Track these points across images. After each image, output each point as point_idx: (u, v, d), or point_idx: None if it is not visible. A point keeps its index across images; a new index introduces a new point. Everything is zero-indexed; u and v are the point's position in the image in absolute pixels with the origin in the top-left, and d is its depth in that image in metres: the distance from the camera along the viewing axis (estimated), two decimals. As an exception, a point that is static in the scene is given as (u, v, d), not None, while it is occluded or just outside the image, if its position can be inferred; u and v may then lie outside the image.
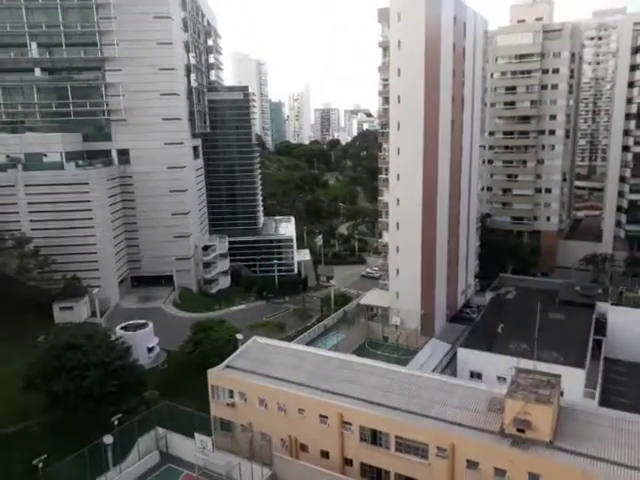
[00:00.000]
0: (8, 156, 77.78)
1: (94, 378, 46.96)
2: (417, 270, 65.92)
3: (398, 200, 66.57)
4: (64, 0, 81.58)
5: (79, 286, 74.00)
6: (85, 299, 73.98)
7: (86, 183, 76.77)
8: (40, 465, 34.68)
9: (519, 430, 32.43)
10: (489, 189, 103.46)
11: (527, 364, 40.21)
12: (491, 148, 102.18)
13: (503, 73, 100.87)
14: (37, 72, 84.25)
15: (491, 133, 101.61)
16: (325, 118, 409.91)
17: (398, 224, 67.03)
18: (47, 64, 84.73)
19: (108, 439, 37.90)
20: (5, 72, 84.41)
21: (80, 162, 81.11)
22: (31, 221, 75.64)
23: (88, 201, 76.72)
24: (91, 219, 77.02)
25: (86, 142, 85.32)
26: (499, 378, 49.47)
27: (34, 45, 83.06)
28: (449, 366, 57.53)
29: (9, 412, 48.36)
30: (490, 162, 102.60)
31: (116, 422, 39.31)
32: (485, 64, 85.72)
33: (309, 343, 58.78)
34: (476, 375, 54.61)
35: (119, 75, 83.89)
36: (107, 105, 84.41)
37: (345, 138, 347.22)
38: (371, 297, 72.05)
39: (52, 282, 71.84)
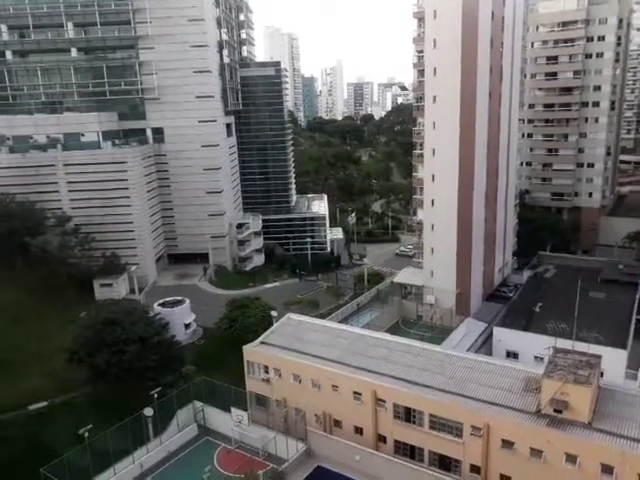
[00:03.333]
0: (48, 136, 79.71)
1: (133, 353, 48.47)
2: (453, 248, 64.76)
3: (433, 176, 65.18)
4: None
5: (118, 263, 75.99)
6: (124, 276, 75.98)
7: (123, 162, 78.12)
8: (86, 435, 36.12)
9: (556, 411, 31.91)
10: (528, 164, 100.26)
11: (565, 344, 39.47)
12: (530, 121, 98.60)
13: (544, 42, 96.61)
14: (74, 52, 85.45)
15: (531, 106, 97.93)
16: (358, 93, 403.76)
17: (433, 201, 65.76)
18: (83, 44, 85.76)
19: (148, 411, 39.12)
20: (43, 53, 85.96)
21: (116, 141, 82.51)
22: (71, 200, 77.72)
23: (125, 180, 78.13)
24: (128, 197, 78.52)
25: (121, 121, 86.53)
26: (536, 358, 48.69)
27: (70, 25, 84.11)
28: (484, 345, 56.83)
29: (55, 384, 50.52)
30: (529, 136, 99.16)
31: (156, 395, 40.49)
32: (525, 33, 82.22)
33: (342, 321, 58.91)
34: (512, 355, 53.87)
35: (152, 53, 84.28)
36: (141, 84, 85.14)
37: (379, 113, 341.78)
38: (405, 275, 71.37)
39: (92, 259, 74.00)
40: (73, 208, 76.82)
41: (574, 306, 46.26)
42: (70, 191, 77.87)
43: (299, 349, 42.32)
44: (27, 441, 43.74)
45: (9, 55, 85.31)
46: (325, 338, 44.07)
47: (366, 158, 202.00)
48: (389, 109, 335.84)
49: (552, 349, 36.06)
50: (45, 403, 48.99)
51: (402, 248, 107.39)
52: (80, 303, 66.30)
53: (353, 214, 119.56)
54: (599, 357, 34.52)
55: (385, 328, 59.87)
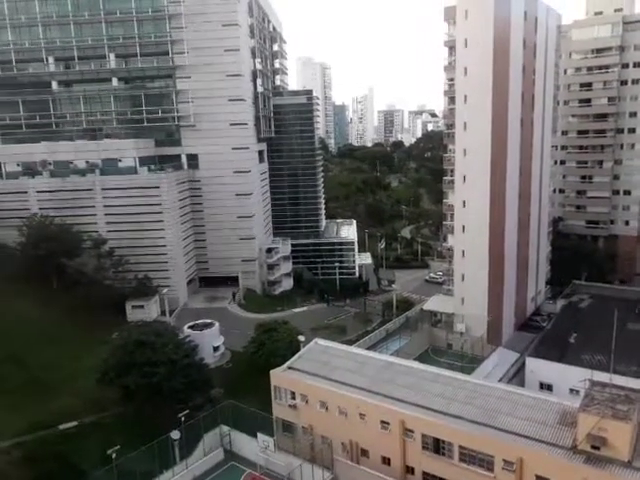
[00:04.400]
0: (87, 162, 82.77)
1: (163, 375, 48.88)
2: (484, 275, 63.74)
3: (464, 202, 64.74)
4: (140, 12, 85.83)
5: (150, 286, 77.39)
6: (155, 298, 77.23)
7: (157, 187, 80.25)
8: (114, 455, 36.41)
9: (594, 447, 30.58)
10: (561, 191, 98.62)
11: (602, 377, 37.93)
12: (564, 148, 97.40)
13: (577, 69, 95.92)
14: (114, 82, 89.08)
15: (564, 132, 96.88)
16: (389, 120, 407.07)
17: (464, 227, 65.16)
18: (123, 74, 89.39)
19: (175, 434, 39.23)
20: (86, 82, 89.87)
21: (152, 167, 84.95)
22: (107, 223, 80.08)
23: (159, 204, 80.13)
24: (162, 221, 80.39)
25: (158, 147, 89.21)
26: (571, 391, 46.87)
27: (112, 56, 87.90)
28: (517, 376, 55.23)
29: (86, 404, 51.21)
30: (562, 163, 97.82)
31: (183, 418, 40.62)
32: (558, 60, 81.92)
33: (370, 347, 58.28)
34: (546, 387, 52.14)
35: (188, 82, 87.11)
36: (177, 111, 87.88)
37: (409, 139, 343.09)
38: (435, 302, 70.44)
39: (125, 281, 75.59)
40: (109, 231, 79.06)
41: (611, 338, 44.59)
42: (106, 214, 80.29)
43: (326, 375, 41.97)
44: (56, 460, 44.19)
45: (55, 85, 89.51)
46: (353, 365, 43.61)
47: (396, 184, 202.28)
48: (419, 136, 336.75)
49: (588, 382, 34.78)
50: (75, 423, 49.60)
51: (432, 274, 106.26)
52: (112, 324, 67.46)
53: (382, 239, 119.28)
54: (639, 392, 33.14)
55: (414, 356, 58.98)
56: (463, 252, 65.50)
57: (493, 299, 64.42)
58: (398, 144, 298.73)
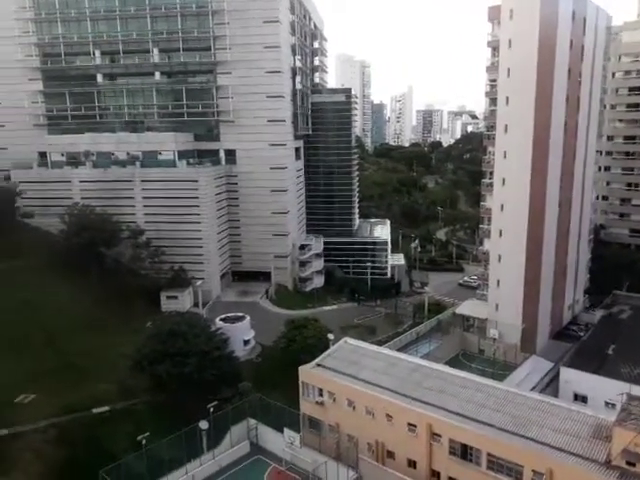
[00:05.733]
0: (128, 153, 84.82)
1: (194, 365, 49.73)
2: (520, 281, 62.28)
3: (502, 206, 63.38)
4: (184, 8, 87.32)
5: (184, 277, 78.82)
6: (189, 290, 78.58)
7: (195, 180, 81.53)
8: (143, 442, 37.24)
9: (629, 463, 29.56)
10: (605, 198, 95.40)
11: (642, 392, 36.68)
12: (609, 154, 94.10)
13: (627, 72, 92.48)
14: (157, 76, 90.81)
15: (609, 138, 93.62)
16: (427, 120, 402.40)
17: (501, 231, 63.80)
18: (166, 68, 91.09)
19: (204, 425, 39.84)
20: (129, 76, 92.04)
21: (191, 160, 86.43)
22: (145, 214, 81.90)
23: (196, 197, 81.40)
24: (198, 215, 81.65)
25: (197, 142, 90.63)
26: (607, 404, 45.58)
27: (156, 51, 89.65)
28: (550, 386, 53.75)
29: (119, 390, 52.61)
30: (607, 169, 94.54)
31: (212, 409, 41.21)
32: (606, 63, 79.10)
33: (400, 349, 57.76)
34: (580, 398, 50.58)
35: (229, 78, 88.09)
36: (217, 107, 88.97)
37: (447, 140, 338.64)
38: (468, 307, 69.27)
39: (161, 272, 77.17)
40: (146, 222, 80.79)
41: (652, 351, 43.16)
42: (145, 206, 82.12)
43: (354, 374, 41.85)
44: (88, 443, 45.63)
45: (100, 78, 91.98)
46: (382, 365, 43.36)
47: (432, 185, 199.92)
48: (458, 137, 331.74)
49: (626, 395, 33.66)
50: (107, 408, 51.01)
51: (466, 278, 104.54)
52: (147, 313, 69.09)
53: (416, 241, 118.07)
54: (680, 409, 31.80)
55: (444, 360, 58.15)
56: (499, 257, 64.17)
57: (528, 306, 62.89)
58: (436, 145, 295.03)
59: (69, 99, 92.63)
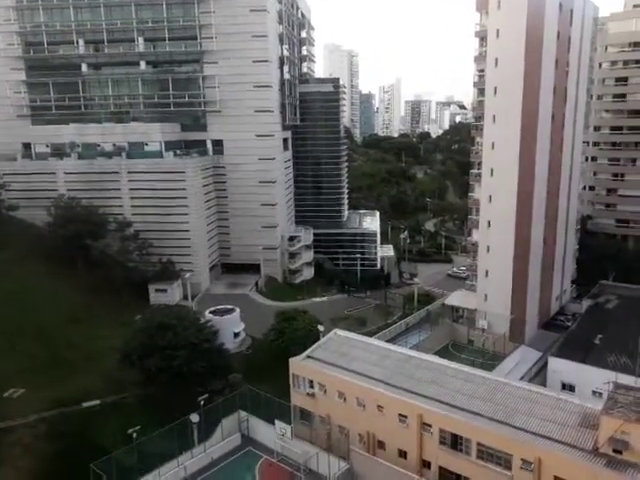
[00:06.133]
0: (114, 144, 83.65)
1: (183, 358, 49.52)
2: (508, 272, 62.75)
3: (490, 197, 63.68)
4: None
5: (173, 270, 78.22)
6: (178, 282, 78.11)
7: (183, 172, 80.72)
8: (134, 435, 37.08)
9: (615, 451, 30.05)
10: (591, 188, 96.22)
11: (627, 380, 37.16)
12: (595, 144, 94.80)
13: (613, 63, 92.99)
14: (142, 65, 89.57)
15: (596, 128, 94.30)
16: (416, 110, 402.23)
17: (489, 222, 64.15)
18: (151, 57, 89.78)
19: (195, 417, 39.81)
20: (114, 65, 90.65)
21: (178, 151, 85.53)
22: (132, 206, 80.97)
23: (184, 189, 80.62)
24: (186, 206, 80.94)
25: (184, 132, 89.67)
26: (594, 393, 46.19)
27: (141, 40, 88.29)
28: (538, 375, 54.35)
29: (108, 384, 52.28)
30: (594, 159, 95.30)
31: (202, 402, 41.12)
32: (593, 53, 79.36)
33: (390, 340, 57.95)
34: (568, 387, 51.24)
35: (216, 67, 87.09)
36: (204, 97, 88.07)
37: (436, 131, 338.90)
38: (457, 298, 69.67)
39: (149, 264, 76.49)
40: (134, 214, 79.92)
41: (638, 340, 43.64)
42: (132, 198, 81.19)
43: (345, 366, 41.97)
44: (79, 437, 45.36)
45: (84, 67, 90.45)
46: (372, 357, 43.52)
47: (421, 176, 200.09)
48: (447, 127, 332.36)
49: (612, 384, 34.09)
50: (97, 402, 50.74)
51: (455, 269, 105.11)
52: (136, 306, 68.57)
53: (405, 232, 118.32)
54: (665, 397, 32.30)
55: (434, 351, 58.54)
56: (488, 248, 64.56)
57: (517, 296, 63.42)
58: (425, 135, 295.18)
59: (53, 89, 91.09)
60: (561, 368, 52.36)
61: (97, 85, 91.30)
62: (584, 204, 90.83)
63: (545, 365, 54.70)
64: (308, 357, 43.87)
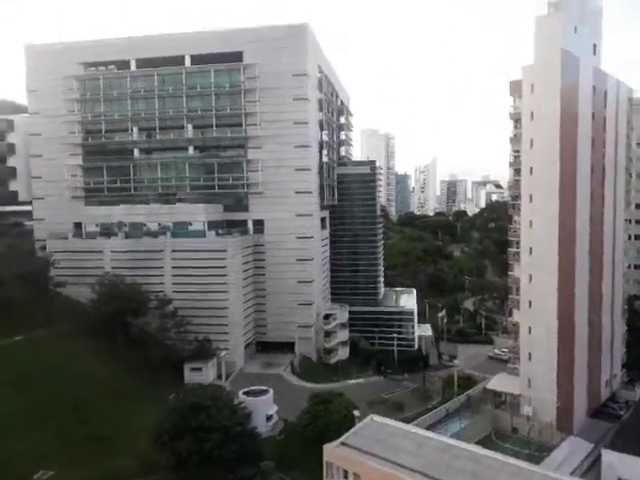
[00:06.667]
0: (160, 224, 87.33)
1: (215, 441, 48.29)
2: (553, 355, 60.22)
3: (530, 276, 62.61)
4: (218, 87, 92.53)
5: (209, 348, 78.20)
6: (213, 361, 77.80)
7: (224, 250, 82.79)
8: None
9: None
10: (637, 267, 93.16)
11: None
12: (638, 222, 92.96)
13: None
14: (190, 150, 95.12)
15: (638, 206, 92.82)
16: (451, 190, 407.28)
17: (530, 302, 62.62)
18: (199, 143, 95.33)
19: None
20: (164, 151, 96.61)
21: (220, 231, 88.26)
22: (173, 284, 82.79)
23: (224, 267, 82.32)
24: (225, 284, 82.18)
25: (226, 212, 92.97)
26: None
27: (190, 127, 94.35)
28: (592, 470, 50.60)
29: (141, 465, 51.15)
30: (637, 237, 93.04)
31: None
32: (630, 132, 79.97)
33: (429, 427, 55.49)
34: (626, 485, 47.20)
35: (259, 152, 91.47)
36: (247, 179, 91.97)
37: (472, 210, 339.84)
38: (499, 382, 66.81)
39: (186, 342, 76.86)
40: (174, 291, 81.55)
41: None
42: (173, 275, 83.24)
43: (381, 455, 40.12)
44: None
45: (136, 152, 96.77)
46: (410, 445, 41.56)
47: (458, 254, 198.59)
48: (483, 206, 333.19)
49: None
50: (128, 484, 49.49)
51: (496, 351, 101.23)
52: (171, 384, 68.32)
53: (443, 311, 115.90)
54: None
55: (476, 439, 55.58)
56: (530, 329, 62.57)
57: (563, 381, 60.32)
58: (461, 214, 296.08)
59: (106, 172, 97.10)
60: (617, 462, 48.56)
61: (147, 168, 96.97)
62: (630, 283, 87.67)
63: (598, 458, 50.89)
64: (343, 444, 42.27)
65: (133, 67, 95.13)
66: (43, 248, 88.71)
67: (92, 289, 76.74)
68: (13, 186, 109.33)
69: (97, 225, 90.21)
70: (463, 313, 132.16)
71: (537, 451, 53.61)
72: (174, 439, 49.21)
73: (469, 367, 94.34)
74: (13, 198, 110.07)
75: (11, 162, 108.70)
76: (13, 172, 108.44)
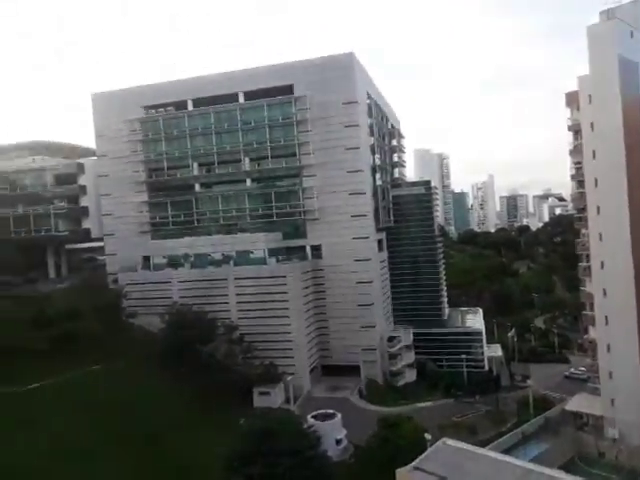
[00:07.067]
0: (223, 254, 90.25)
1: (286, 466, 48.42)
2: (636, 372, 56.54)
3: (605, 290, 59.51)
4: (271, 120, 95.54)
5: (275, 372, 79.09)
6: (280, 385, 78.45)
7: (284, 276, 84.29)
8: None
9: None
10: None
11: None
12: None
13: None
14: (248, 182, 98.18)
15: None
16: (512, 205, 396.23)
17: (607, 318, 59.35)
18: (255, 175, 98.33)
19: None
20: (223, 184, 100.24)
21: (280, 257, 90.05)
22: (238, 310, 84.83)
23: (285, 292, 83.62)
24: (287, 309, 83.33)
25: (285, 239, 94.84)
26: None
27: (247, 160, 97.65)
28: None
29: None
30: None
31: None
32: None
33: (505, 451, 53.13)
34: None
35: (313, 179, 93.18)
36: (303, 207, 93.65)
37: (535, 224, 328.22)
38: (579, 402, 63.28)
39: (252, 368, 78.09)
40: (239, 318, 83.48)
41: None
42: (238, 302, 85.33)
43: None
44: None
45: (197, 187, 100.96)
46: (486, 470, 40.00)
47: (524, 270, 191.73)
48: (546, 220, 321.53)
49: None
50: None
51: (573, 370, 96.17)
52: (240, 409, 69.33)
53: (513, 330, 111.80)
54: None
55: (558, 464, 52.50)
56: (608, 346, 59.22)
57: (650, 401, 56.36)
58: (524, 229, 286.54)
59: (170, 207, 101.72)
60: None
61: (208, 201, 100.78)
62: None
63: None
64: (415, 468, 41.23)
65: (190, 107, 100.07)
66: (115, 281, 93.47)
67: (161, 318, 79.76)
68: (85, 224, 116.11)
69: (164, 257, 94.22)
70: (534, 331, 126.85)
71: (629, 478, 49.95)
72: (246, 464, 49.70)
73: (544, 388, 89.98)
74: (86, 235, 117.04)
75: (83, 202, 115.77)
76: (85, 211, 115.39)
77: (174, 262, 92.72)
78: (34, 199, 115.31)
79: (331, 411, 66.52)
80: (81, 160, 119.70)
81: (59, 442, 54.95)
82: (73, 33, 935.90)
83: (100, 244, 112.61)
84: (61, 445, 54.52)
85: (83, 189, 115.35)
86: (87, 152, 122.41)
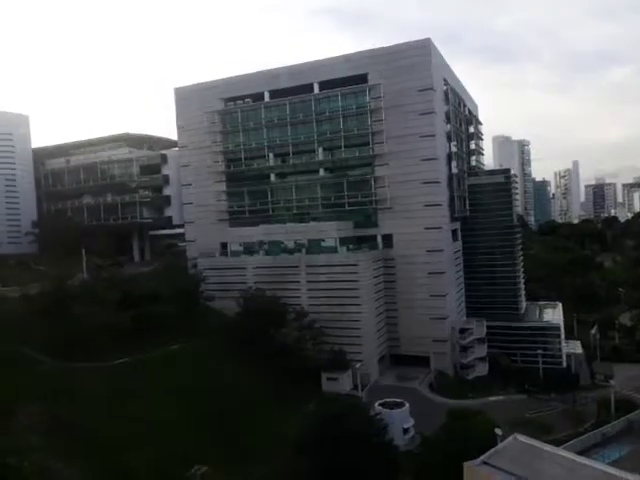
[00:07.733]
0: (295, 242, 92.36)
1: (354, 451, 49.33)
2: None
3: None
4: (345, 110, 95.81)
5: (343, 359, 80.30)
6: (348, 372, 79.61)
7: (355, 265, 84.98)
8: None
9: None
10: None
11: None
12: None
13: None
14: (321, 172, 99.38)
15: None
16: (598, 194, 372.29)
17: (701, 318, 54.99)
18: (329, 164, 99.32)
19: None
20: (298, 174, 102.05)
21: (350, 246, 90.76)
22: (308, 297, 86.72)
23: (356, 281, 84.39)
24: (357, 297, 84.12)
25: (356, 229, 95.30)
26: None
27: (320, 150, 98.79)
28: None
29: (283, 471, 53.81)
30: None
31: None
32: None
33: (582, 452, 50.70)
34: None
35: (386, 168, 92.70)
36: (375, 196, 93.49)
37: (624, 215, 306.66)
38: (665, 406, 59.26)
39: (321, 353, 79.76)
40: (310, 305, 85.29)
41: None
42: (309, 289, 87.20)
43: (527, 478, 37.85)
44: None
45: (273, 177, 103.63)
46: (559, 470, 38.57)
47: (610, 264, 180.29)
48: (637, 211, 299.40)
49: None
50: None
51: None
52: (309, 393, 71.12)
53: (595, 326, 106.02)
54: None
55: None
56: (702, 348, 54.84)
57: None
58: (611, 220, 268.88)
59: (247, 196, 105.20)
60: None
61: (283, 191, 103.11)
62: None
63: None
64: (484, 463, 40.59)
65: (267, 98, 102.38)
66: (195, 266, 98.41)
67: (237, 303, 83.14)
68: (168, 212, 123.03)
69: (240, 244, 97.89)
70: (619, 329, 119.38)
71: None
72: (314, 447, 51.15)
73: (628, 389, 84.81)
74: (168, 223, 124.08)
75: (166, 191, 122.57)
76: (168, 200, 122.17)
77: (249, 249, 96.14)
78: (122, 188, 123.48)
79: (399, 400, 66.69)
80: (164, 151, 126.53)
81: (149, 411, 59.35)
82: (155, 32, 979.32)
83: (181, 231, 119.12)
84: (151, 414, 58.87)
85: (166, 179, 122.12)
86: (170, 143, 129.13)
